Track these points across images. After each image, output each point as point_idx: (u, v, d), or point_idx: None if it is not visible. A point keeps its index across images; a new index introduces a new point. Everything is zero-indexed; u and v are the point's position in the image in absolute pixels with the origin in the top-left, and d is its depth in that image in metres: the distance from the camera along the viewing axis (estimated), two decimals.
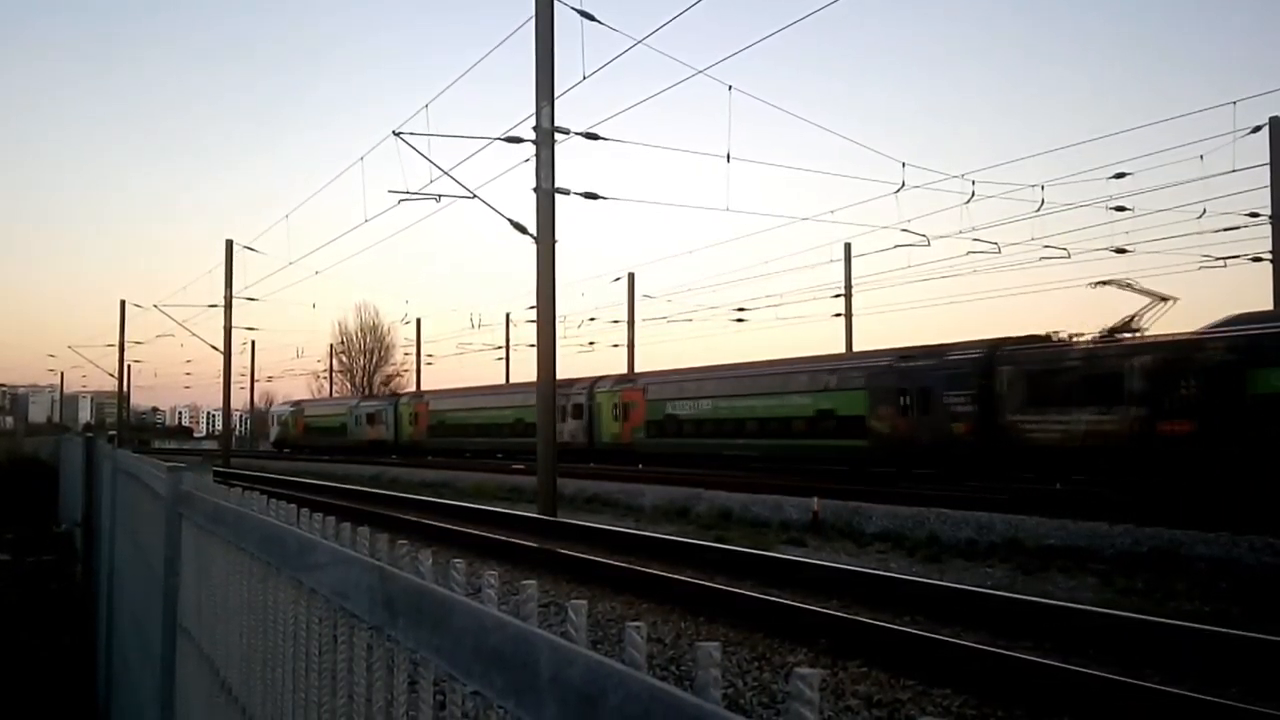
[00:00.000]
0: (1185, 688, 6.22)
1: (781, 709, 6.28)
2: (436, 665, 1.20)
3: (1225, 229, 25.34)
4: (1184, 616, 8.72)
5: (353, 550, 1.61)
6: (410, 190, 20.13)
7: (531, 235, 18.18)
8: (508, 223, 18.75)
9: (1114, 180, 24.26)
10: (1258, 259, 25.81)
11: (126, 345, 61.56)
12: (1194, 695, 5.92)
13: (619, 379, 40.20)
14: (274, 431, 73.54)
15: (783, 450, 30.46)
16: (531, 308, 20.69)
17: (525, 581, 1.09)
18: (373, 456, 51.11)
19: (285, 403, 78.30)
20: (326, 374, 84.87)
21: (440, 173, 19.32)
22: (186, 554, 3.25)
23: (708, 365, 37.16)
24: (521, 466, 32.97)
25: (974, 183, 23.71)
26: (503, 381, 56.89)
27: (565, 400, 39.51)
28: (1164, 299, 22.47)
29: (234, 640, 2.48)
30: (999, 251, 27.69)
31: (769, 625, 8.53)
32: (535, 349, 19.03)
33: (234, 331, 43.53)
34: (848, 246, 40.10)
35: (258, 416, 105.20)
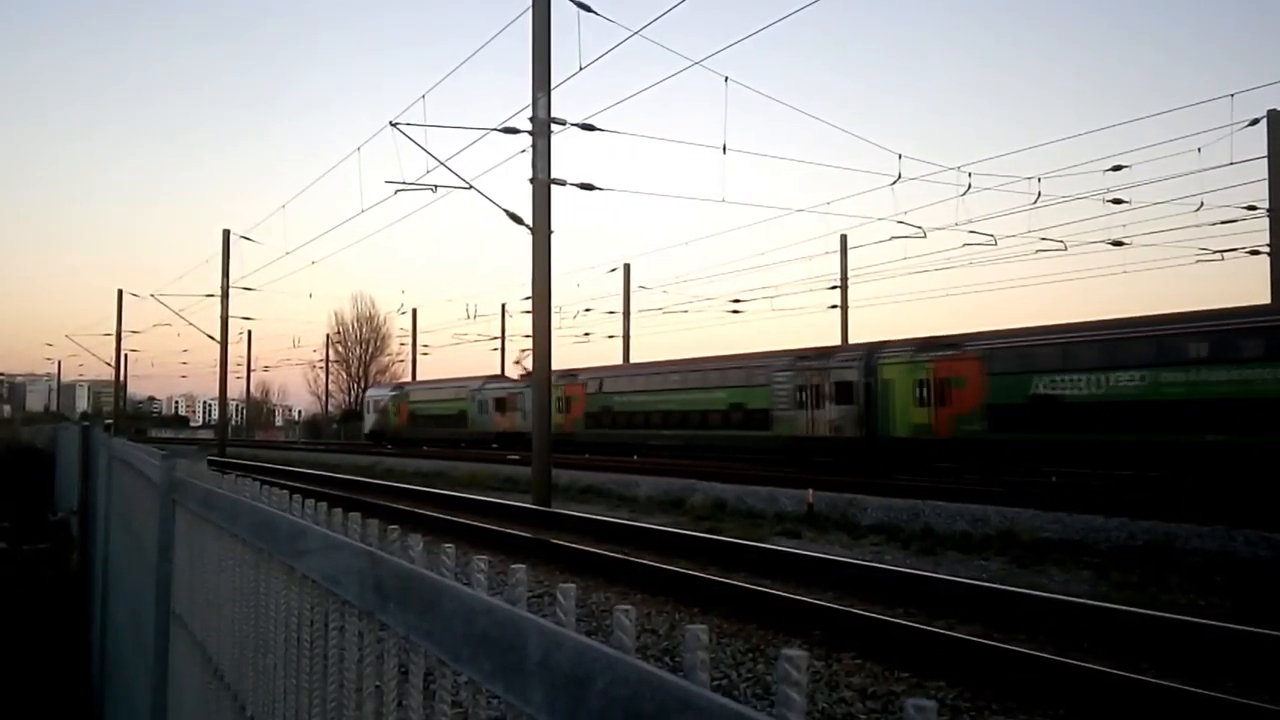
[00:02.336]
0: (1180, 681, 6.24)
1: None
2: (427, 650, 1.20)
3: (1222, 222, 25.41)
4: (1179, 610, 8.74)
5: (344, 536, 1.61)
6: (407, 180, 20.14)
7: (527, 226, 18.16)
8: (504, 213, 18.74)
9: (1111, 173, 24.32)
10: (1255, 252, 25.87)
11: (123, 334, 61.46)
12: (1188, 689, 5.94)
13: (922, 344, 27.56)
14: (369, 420, 61.63)
15: None
16: (527, 298, 20.66)
17: (515, 565, 1.09)
18: (504, 452, 40.06)
19: (384, 384, 65.84)
20: (323, 364, 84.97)
21: (437, 163, 19.31)
22: (180, 541, 3.24)
23: (1113, 319, 23.81)
24: (517, 456, 32.47)
25: (970, 175, 23.70)
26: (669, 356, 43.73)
27: (818, 377, 30.03)
28: None
29: (226, 626, 2.47)
30: (995, 244, 27.75)
31: (763, 616, 8.54)
32: (531, 339, 19.02)
33: (230, 321, 43.57)
34: (844, 238, 40.17)
35: (254, 406, 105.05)
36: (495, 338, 62.09)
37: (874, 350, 29.02)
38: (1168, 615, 8.02)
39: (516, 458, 32.49)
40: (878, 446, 27.93)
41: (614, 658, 0.79)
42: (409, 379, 66.30)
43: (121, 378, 69.20)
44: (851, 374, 29.19)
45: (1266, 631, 7.14)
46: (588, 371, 42.55)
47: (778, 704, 0.66)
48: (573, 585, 0.98)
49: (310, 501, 1.97)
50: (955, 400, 25.93)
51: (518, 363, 50.80)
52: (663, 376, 37.35)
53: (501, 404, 47.44)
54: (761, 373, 32.40)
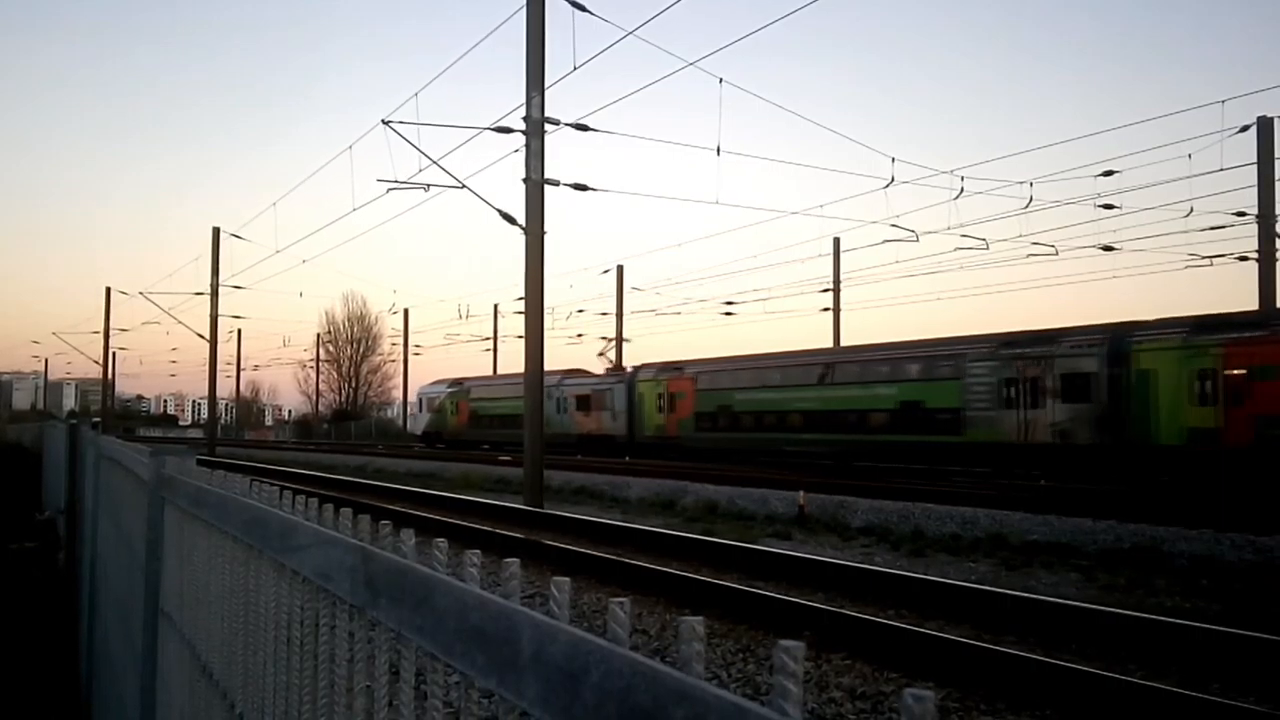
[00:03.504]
0: (1167, 682, 6.26)
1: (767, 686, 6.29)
2: (419, 645, 1.20)
3: (1212, 228, 25.62)
4: (1165, 612, 8.78)
5: (335, 532, 1.60)
6: (399, 179, 20.09)
7: (520, 226, 18.14)
8: (497, 213, 18.71)
9: (1102, 178, 24.48)
10: (1244, 258, 26.02)
11: (112, 332, 61.28)
12: (1176, 690, 5.96)
13: (1201, 323, 21.60)
14: (422, 420, 55.04)
15: None
16: (520, 299, 20.64)
17: (508, 560, 1.08)
18: (591, 457, 34.66)
19: (439, 381, 56.47)
20: (313, 363, 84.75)
21: (429, 162, 19.29)
22: (169, 538, 3.23)
23: None
24: (509, 458, 32.17)
25: (963, 179, 23.86)
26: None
27: (1035, 368, 24.23)
28: None
29: (215, 624, 2.46)
30: (987, 248, 27.85)
31: (754, 617, 8.55)
32: (523, 340, 19.00)
33: (220, 320, 43.41)
34: (836, 241, 40.30)
35: (243, 405, 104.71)
36: (488, 338, 62.13)
37: (1123, 333, 22.81)
38: (1154, 617, 8.05)
39: (508, 459, 32.18)
40: (1130, 455, 21.99)
41: (608, 650, 0.78)
42: (406, 372, 65.77)
43: (109, 376, 68.95)
44: (1088, 363, 23.06)
45: (1252, 634, 7.17)
46: (699, 364, 35.77)
47: (774, 694, 0.65)
48: (567, 579, 0.97)
49: (301, 497, 1.96)
50: (1261, 397, 19.79)
51: (601, 354, 43.49)
52: (805, 369, 30.87)
53: (585, 402, 40.31)
54: (948, 364, 26.35)
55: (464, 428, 49.67)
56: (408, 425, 57.33)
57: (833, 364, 30.34)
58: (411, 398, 61.34)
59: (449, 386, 53.12)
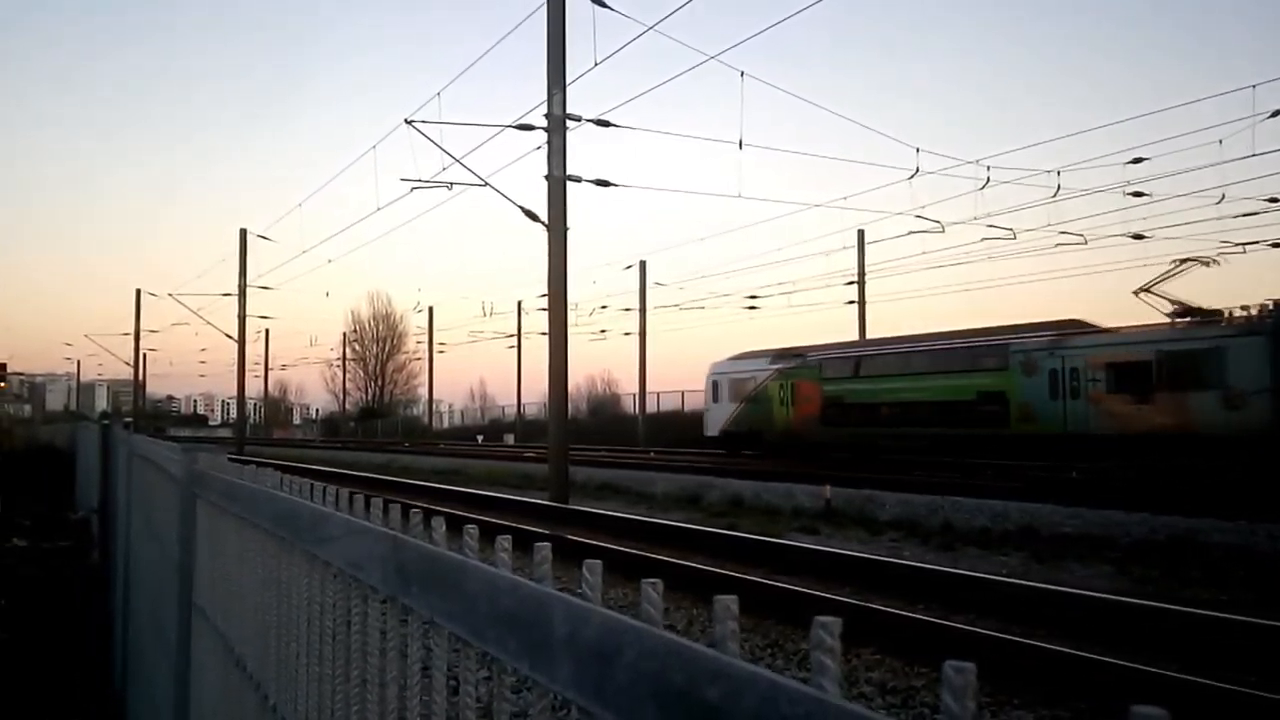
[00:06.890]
0: (1203, 675, 6.18)
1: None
2: (451, 631, 1.20)
3: (1244, 214, 25.17)
4: (1200, 605, 8.67)
5: (366, 521, 1.61)
6: (422, 178, 20.18)
7: (543, 223, 18.17)
8: (519, 210, 18.74)
9: (1131, 165, 24.09)
10: (1277, 245, 25.62)
11: (142, 334, 61.97)
12: (1211, 683, 5.89)
13: None
14: (720, 412, 34.62)
15: None
16: (543, 295, 20.69)
17: (539, 544, 1.08)
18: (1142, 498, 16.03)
19: (747, 354, 34.92)
20: (340, 363, 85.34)
21: (452, 160, 19.34)
22: (201, 534, 3.26)
23: None
24: (533, 455, 32.25)
25: (989, 168, 23.52)
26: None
27: None
28: None
29: (248, 617, 2.48)
30: (1014, 238, 27.46)
31: (781, 612, 8.53)
32: (547, 337, 19.04)
33: (247, 320, 43.82)
34: (861, 233, 39.95)
35: (271, 404, 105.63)
36: (511, 335, 62.29)
37: None
38: (1188, 609, 7.95)
39: (532, 455, 32.22)
40: None
41: (642, 630, 0.78)
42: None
43: (140, 377, 69.72)
44: None
45: None
46: None
47: (812, 671, 0.65)
48: (598, 562, 0.97)
49: (331, 489, 1.97)
50: None
51: (1144, 289, 23.72)
52: None
53: (1138, 376, 21.98)
54: None
55: (811, 423, 30.52)
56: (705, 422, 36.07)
57: None
58: (703, 382, 36.85)
59: (773, 361, 32.60)
